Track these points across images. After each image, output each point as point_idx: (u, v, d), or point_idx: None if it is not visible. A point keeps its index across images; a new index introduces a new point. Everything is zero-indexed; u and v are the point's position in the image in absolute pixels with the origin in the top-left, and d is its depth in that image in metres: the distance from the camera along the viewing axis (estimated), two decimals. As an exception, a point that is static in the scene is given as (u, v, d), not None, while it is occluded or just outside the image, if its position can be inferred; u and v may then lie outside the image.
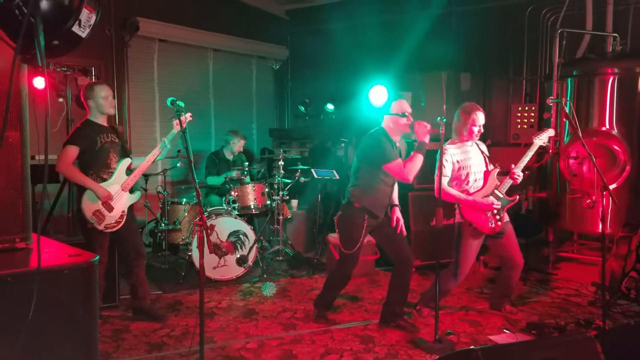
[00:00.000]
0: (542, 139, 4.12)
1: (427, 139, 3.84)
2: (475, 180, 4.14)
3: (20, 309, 1.79)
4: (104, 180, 3.96)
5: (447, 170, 4.06)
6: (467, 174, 4.11)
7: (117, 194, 3.96)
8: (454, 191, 4.04)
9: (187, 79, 7.58)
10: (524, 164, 4.11)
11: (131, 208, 4.16)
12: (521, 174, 4.08)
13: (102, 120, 4.03)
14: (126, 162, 4.08)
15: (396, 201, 4.12)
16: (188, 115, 3.88)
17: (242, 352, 3.66)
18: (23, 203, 2.15)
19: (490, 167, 4.20)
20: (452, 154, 4.08)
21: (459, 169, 4.09)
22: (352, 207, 3.94)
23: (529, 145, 5.99)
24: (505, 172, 4.26)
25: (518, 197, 4.16)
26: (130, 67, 6.81)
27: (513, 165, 4.12)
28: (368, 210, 3.91)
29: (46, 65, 1.56)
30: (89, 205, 3.87)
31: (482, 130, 4.11)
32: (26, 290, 1.79)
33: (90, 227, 3.90)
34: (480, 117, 4.05)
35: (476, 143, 4.21)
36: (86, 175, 3.88)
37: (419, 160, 3.82)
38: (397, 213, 4.07)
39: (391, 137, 3.94)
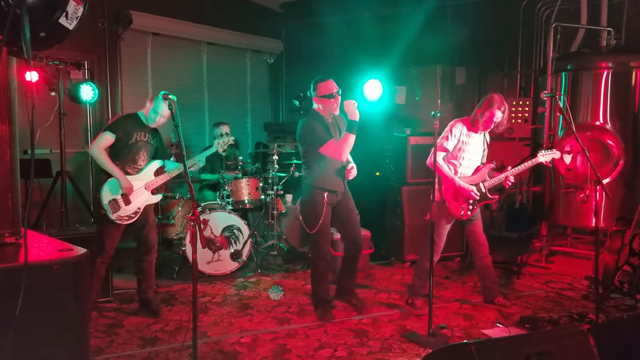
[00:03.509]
0: (545, 158, 4.22)
1: (356, 116, 3.92)
2: (467, 167, 4.24)
3: (9, 304, 1.77)
4: (128, 174, 4.03)
5: (450, 144, 4.15)
6: (462, 157, 4.19)
7: (138, 190, 4.03)
8: (445, 166, 4.15)
9: (180, 73, 7.52)
10: (518, 171, 4.23)
11: (152, 207, 4.23)
12: (513, 180, 4.23)
13: (147, 120, 4.11)
14: (156, 163, 4.18)
15: (350, 160, 4.21)
16: (231, 139, 4.32)
17: (236, 347, 3.65)
18: (12, 197, 2.13)
19: (484, 160, 4.28)
20: (461, 131, 4.15)
21: (459, 149, 4.17)
22: (310, 187, 4.08)
23: (523, 139, 6.03)
24: (499, 168, 4.33)
25: (498, 197, 4.36)
26: (123, 61, 6.76)
27: (510, 168, 4.22)
28: (326, 189, 4.06)
29: (33, 58, 1.53)
30: (108, 193, 3.97)
31: (496, 128, 4.18)
32: (15, 285, 1.77)
33: (103, 213, 3.97)
34: (498, 115, 4.09)
35: (485, 132, 4.28)
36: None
37: (350, 139, 3.94)
38: (351, 164, 4.17)
39: (323, 117, 4.07)
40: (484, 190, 4.21)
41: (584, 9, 6.06)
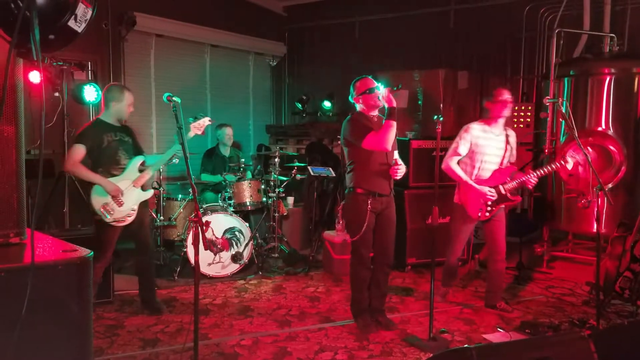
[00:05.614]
0: (569, 165, 4.23)
1: (393, 102, 3.75)
2: (485, 170, 4.26)
3: (14, 304, 1.78)
4: (114, 176, 4.04)
5: (462, 149, 4.22)
6: (478, 160, 4.23)
7: (127, 190, 4.03)
8: (458, 169, 4.22)
9: (183, 75, 7.55)
10: (541, 174, 4.25)
11: (146, 205, 4.23)
12: (536, 181, 4.24)
13: (113, 120, 4.10)
14: (138, 159, 4.17)
15: (396, 158, 4.03)
16: (207, 119, 4.18)
17: (236, 349, 3.66)
18: (17, 198, 2.14)
19: (512, 160, 4.36)
20: (473, 134, 4.21)
21: (474, 152, 4.22)
22: (354, 193, 3.90)
23: (525, 144, 6.04)
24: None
25: (520, 199, 4.34)
26: (126, 62, 6.78)
27: (531, 170, 4.30)
28: (370, 192, 3.85)
29: (41, 60, 1.55)
30: (97, 198, 3.96)
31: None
32: (20, 285, 1.78)
33: (98, 219, 3.98)
34: (508, 99, 4.17)
35: (507, 134, 4.31)
36: (95, 172, 3.97)
37: (391, 127, 3.72)
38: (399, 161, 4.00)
39: (368, 116, 3.91)
40: (503, 191, 4.20)
41: (587, 15, 6.08)
